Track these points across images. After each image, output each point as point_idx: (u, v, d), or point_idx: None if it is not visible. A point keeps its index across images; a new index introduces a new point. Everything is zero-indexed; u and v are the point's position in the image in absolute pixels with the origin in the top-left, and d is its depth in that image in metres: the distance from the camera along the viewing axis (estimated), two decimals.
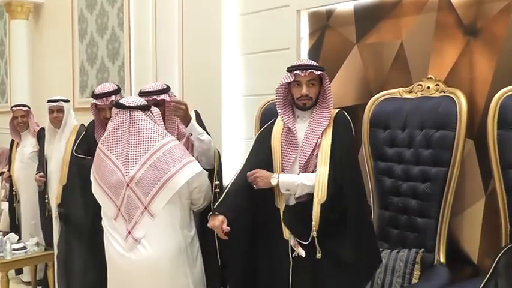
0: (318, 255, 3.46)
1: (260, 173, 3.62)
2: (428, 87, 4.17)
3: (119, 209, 3.76)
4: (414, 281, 3.88)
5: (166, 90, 4.36)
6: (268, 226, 3.75)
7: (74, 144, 5.21)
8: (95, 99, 4.63)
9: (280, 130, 3.78)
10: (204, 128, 4.40)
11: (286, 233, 3.64)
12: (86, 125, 5.33)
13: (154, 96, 4.24)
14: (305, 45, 5.17)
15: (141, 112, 3.84)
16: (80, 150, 5.01)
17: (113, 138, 3.80)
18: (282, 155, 3.71)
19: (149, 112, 3.90)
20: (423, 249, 3.96)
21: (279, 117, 3.80)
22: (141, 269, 3.73)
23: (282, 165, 3.70)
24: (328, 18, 4.95)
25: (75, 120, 5.82)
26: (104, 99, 4.61)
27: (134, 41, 7.11)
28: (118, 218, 3.78)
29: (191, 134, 4.04)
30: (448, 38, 4.16)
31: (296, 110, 3.76)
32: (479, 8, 3.99)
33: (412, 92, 4.26)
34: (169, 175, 3.72)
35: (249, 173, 3.66)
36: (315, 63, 3.68)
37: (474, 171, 4.03)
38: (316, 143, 3.59)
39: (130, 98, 3.95)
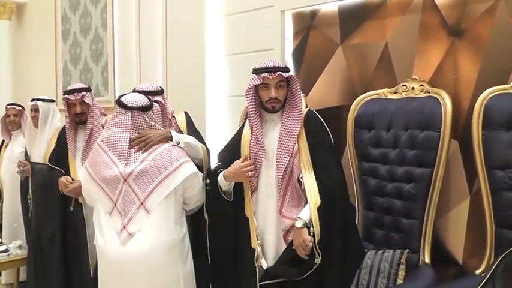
0: (317, 260, 3.49)
1: (300, 244, 3.57)
2: (413, 88, 4.17)
3: (115, 204, 3.80)
4: (399, 281, 3.86)
5: (161, 92, 4.48)
6: (238, 234, 3.81)
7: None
8: (66, 95, 4.79)
9: (249, 138, 3.80)
10: (194, 128, 4.44)
11: (255, 243, 3.68)
12: None
13: (150, 97, 4.25)
14: (289, 46, 5.17)
15: (142, 113, 3.93)
16: (51, 159, 5.06)
17: (113, 136, 3.86)
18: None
19: (150, 112, 4.00)
20: (408, 250, 3.95)
21: (247, 121, 3.81)
22: (134, 260, 3.76)
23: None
24: (313, 18, 4.95)
25: (59, 122, 5.78)
26: (75, 94, 4.75)
27: (118, 42, 7.09)
28: (113, 213, 3.82)
29: (178, 143, 4.02)
30: (433, 38, 4.17)
31: (265, 114, 3.76)
32: (463, 9, 4.01)
33: (396, 92, 4.27)
34: (168, 173, 3.78)
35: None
36: (282, 65, 3.68)
37: (459, 171, 4.04)
38: (293, 150, 3.60)
39: (133, 98, 3.98)
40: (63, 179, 4.64)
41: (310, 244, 3.51)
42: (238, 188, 3.84)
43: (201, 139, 4.47)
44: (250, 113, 3.73)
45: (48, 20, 8.40)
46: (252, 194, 3.79)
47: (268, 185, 3.74)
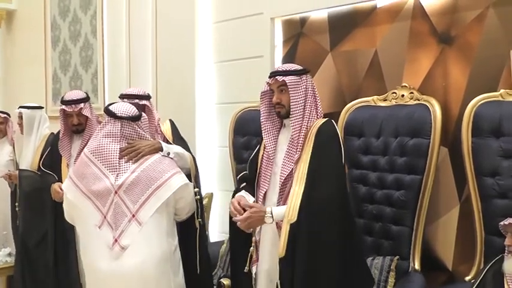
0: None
1: (251, 218, 3.44)
2: (403, 95, 4.19)
3: (105, 217, 3.70)
4: None
5: (148, 97, 4.43)
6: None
7: (41, 154, 5.18)
8: (63, 105, 4.69)
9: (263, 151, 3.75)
10: (179, 136, 4.41)
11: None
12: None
13: (136, 100, 4.27)
14: (279, 53, 5.19)
15: (131, 123, 3.85)
16: (45, 163, 5.02)
17: (102, 146, 3.77)
18: (258, 179, 3.70)
19: (139, 122, 3.91)
20: (398, 257, 3.98)
21: None
22: (127, 274, 3.68)
23: (258, 189, 3.67)
24: (302, 26, 4.97)
25: (47, 129, 5.75)
26: (73, 105, 4.67)
27: (108, 49, 7.08)
28: (103, 226, 3.70)
29: (169, 153, 4.00)
30: (422, 46, 4.19)
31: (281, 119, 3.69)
32: (453, 17, 4.03)
33: (386, 100, 4.28)
34: (159, 184, 3.70)
35: (240, 218, 3.45)
36: (286, 68, 3.61)
37: (448, 178, 4.06)
38: (295, 160, 3.49)
39: (122, 107, 3.91)
40: (56, 186, 4.59)
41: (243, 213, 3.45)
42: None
43: (186, 147, 4.44)
44: (261, 119, 3.69)
45: (38, 27, 8.39)
46: (259, 200, 3.68)
47: (274, 194, 3.62)
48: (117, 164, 3.72)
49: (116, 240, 3.65)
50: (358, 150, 4.30)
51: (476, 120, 3.72)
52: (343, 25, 4.65)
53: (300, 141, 3.49)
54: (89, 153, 3.79)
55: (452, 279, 4.04)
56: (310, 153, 3.41)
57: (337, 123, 4.26)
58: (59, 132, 4.90)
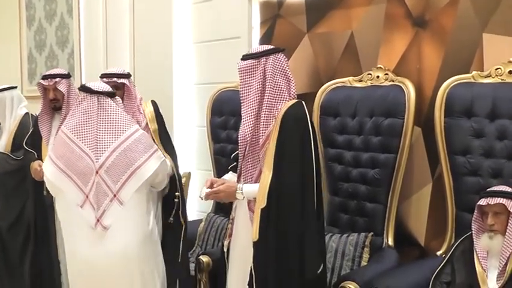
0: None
1: (222, 193, 3.52)
2: (378, 77, 4.28)
3: (87, 196, 3.66)
4: (363, 263, 4.01)
5: (128, 75, 4.42)
6: None
7: (15, 135, 5.20)
8: (41, 80, 4.70)
9: None
10: (162, 122, 4.43)
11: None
12: (31, 114, 5.35)
13: (115, 79, 4.28)
14: (256, 35, 5.23)
15: (109, 98, 3.78)
16: (28, 143, 4.95)
17: (80, 123, 3.71)
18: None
19: (115, 99, 3.85)
20: (372, 233, 4.09)
21: None
22: (111, 258, 3.69)
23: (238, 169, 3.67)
24: (280, 7, 5.02)
25: (24, 108, 5.66)
26: (49, 79, 4.65)
27: (84, 29, 7.05)
28: (85, 206, 3.67)
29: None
30: (397, 28, 4.27)
31: None
32: (427, 0, 4.12)
33: (361, 81, 4.37)
34: (139, 163, 3.69)
35: (210, 191, 3.52)
36: (249, 51, 3.55)
37: (422, 157, 4.16)
38: (260, 143, 3.45)
39: (97, 84, 3.88)
40: (35, 165, 4.53)
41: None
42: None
43: (167, 137, 4.47)
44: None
45: (12, 6, 8.30)
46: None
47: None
48: (97, 143, 3.67)
49: (97, 220, 3.64)
50: (334, 130, 4.38)
51: (449, 101, 3.83)
52: (319, 7, 4.72)
53: (263, 127, 3.43)
54: (68, 132, 3.73)
55: (424, 254, 4.15)
56: (276, 138, 3.35)
57: (313, 103, 4.37)
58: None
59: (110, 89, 3.88)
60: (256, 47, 3.67)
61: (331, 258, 4.05)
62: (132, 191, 3.69)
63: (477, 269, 3.33)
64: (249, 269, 3.40)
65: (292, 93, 3.48)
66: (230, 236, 3.73)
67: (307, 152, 3.37)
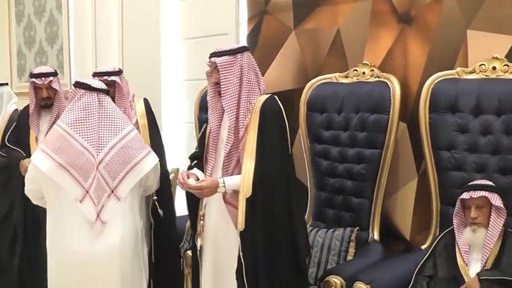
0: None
1: (206, 188, 3.53)
2: (364, 73, 4.31)
3: (87, 192, 3.66)
4: (349, 258, 4.04)
5: (118, 72, 4.44)
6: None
7: (4, 131, 5.15)
8: (33, 78, 4.75)
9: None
10: (153, 116, 4.47)
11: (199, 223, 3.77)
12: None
13: (105, 77, 4.29)
14: (244, 31, 5.26)
15: (107, 96, 3.83)
16: (10, 139, 4.98)
17: (80, 119, 3.71)
18: (205, 154, 3.76)
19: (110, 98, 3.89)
20: (358, 228, 4.12)
21: None
22: (108, 254, 3.70)
23: (206, 164, 3.74)
24: (267, 4, 5.03)
25: (15, 105, 5.65)
26: (43, 78, 4.74)
27: (73, 25, 7.07)
28: (85, 201, 3.66)
29: None
30: (383, 25, 4.31)
31: None
32: None
33: (348, 77, 4.40)
34: (137, 160, 3.73)
35: (194, 186, 3.55)
36: (221, 49, 3.61)
37: (407, 152, 4.20)
38: (238, 138, 3.56)
39: (94, 81, 3.92)
40: (26, 163, 4.49)
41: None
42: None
43: (157, 133, 4.51)
44: (207, 98, 3.76)
45: (1, 2, 8.28)
46: (206, 175, 3.73)
47: (219, 168, 3.67)
48: (97, 139, 3.69)
49: (97, 215, 3.65)
50: (320, 126, 4.41)
51: (434, 97, 3.88)
52: (306, 4, 4.74)
53: (241, 120, 3.55)
54: (66, 127, 3.71)
55: (410, 248, 4.19)
56: (256, 129, 3.49)
57: (300, 99, 4.42)
58: (25, 108, 4.95)
59: (105, 87, 3.91)
60: (223, 45, 3.69)
61: (318, 253, 4.08)
62: (130, 188, 3.72)
63: (459, 262, 3.39)
64: (222, 264, 3.61)
65: (262, 88, 3.67)
66: (202, 233, 3.77)
67: (286, 143, 3.60)
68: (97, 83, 3.87)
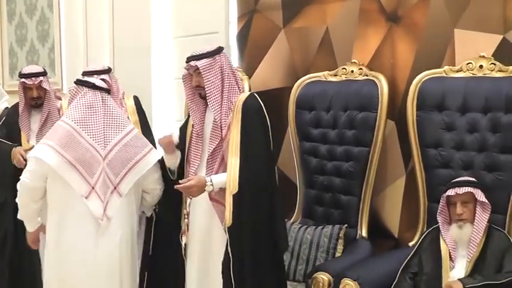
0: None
1: (195, 187, 3.56)
2: (352, 71, 4.35)
3: (93, 188, 3.70)
4: (338, 254, 4.08)
5: (108, 71, 4.51)
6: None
7: None
8: (23, 79, 4.74)
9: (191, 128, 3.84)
10: (143, 113, 4.51)
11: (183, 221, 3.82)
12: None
13: (95, 76, 4.31)
14: (234, 29, 5.27)
15: (108, 95, 3.90)
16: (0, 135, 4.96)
17: (86, 117, 3.76)
18: (188, 155, 3.81)
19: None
20: (346, 225, 4.16)
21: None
22: (109, 251, 3.75)
23: (189, 165, 3.78)
24: (256, 2, 5.04)
25: (6, 102, 5.67)
26: (33, 78, 4.72)
27: (65, 23, 7.06)
28: (91, 197, 3.71)
29: None
30: (371, 24, 4.35)
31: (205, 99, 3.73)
32: None
33: (336, 75, 4.43)
34: (139, 158, 3.77)
35: (181, 186, 3.59)
36: (199, 52, 3.66)
37: (395, 150, 4.24)
38: (221, 138, 3.62)
39: (95, 79, 3.99)
40: (18, 154, 4.57)
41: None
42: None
43: (148, 130, 4.59)
44: (186, 101, 3.83)
45: None
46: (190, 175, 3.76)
47: (203, 168, 3.72)
48: (102, 136, 3.74)
49: (104, 211, 3.70)
50: (309, 124, 4.45)
51: (421, 95, 3.92)
52: (295, 2, 4.76)
53: (224, 118, 3.61)
54: (73, 123, 3.75)
55: (398, 245, 4.23)
56: (240, 127, 3.54)
57: (289, 97, 4.45)
58: (14, 105, 4.94)
59: (107, 86, 4.00)
60: (199, 48, 3.72)
61: (306, 250, 4.13)
62: (131, 185, 3.77)
63: (443, 256, 3.45)
64: (209, 262, 3.67)
65: (240, 87, 3.75)
66: (186, 231, 3.82)
67: (269, 139, 3.67)
68: (99, 82, 3.93)
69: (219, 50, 3.68)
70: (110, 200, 3.72)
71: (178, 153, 3.84)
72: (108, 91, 3.93)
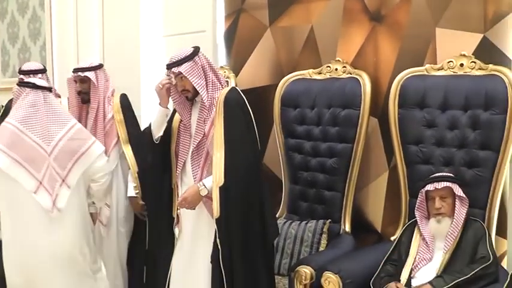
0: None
1: (188, 197, 3.70)
2: (336, 69, 4.41)
3: (41, 183, 3.86)
4: (321, 249, 4.15)
5: (97, 67, 4.56)
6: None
7: None
8: (22, 75, 4.83)
9: (178, 122, 3.95)
10: (129, 110, 4.61)
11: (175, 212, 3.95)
12: (1, 105, 5.41)
13: (79, 73, 4.45)
14: (221, 28, 5.32)
15: (50, 93, 4.05)
16: None
17: (29, 115, 3.90)
18: (176, 149, 3.94)
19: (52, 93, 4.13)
20: (330, 220, 4.22)
21: None
22: (67, 242, 3.95)
23: (177, 158, 3.92)
24: (243, 1, 5.10)
25: None
26: (32, 75, 4.77)
27: (56, 22, 7.13)
28: (39, 192, 3.86)
29: None
30: (355, 23, 4.41)
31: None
32: None
33: (321, 73, 4.49)
34: (83, 151, 3.95)
35: (178, 204, 3.81)
36: (178, 57, 3.73)
37: (378, 147, 4.30)
38: (204, 133, 3.72)
39: (37, 80, 4.19)
40: None
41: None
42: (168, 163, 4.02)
43: (136, 129, 4.65)
44: (174, 105, 3.91)
45: None
46: (178, 169, 3.93)
47: (188, 164, 3.88)
48: (47, 132, 3.89)
49: (53, 204, 3.86)
50: (294, 121, 4.50)
51: (403, 93, 3.98)
52: (281, 1, 4.82)
53: (207, 114, 3.73)
54: (16, 123, 3.90)
55: (381, 239, 4.28)
56: (222, 120, 3.65)
57: (274, 95, 4.51)
58: (9, 102, 4.96)
59: (48, 85, 4.14)
60: (176, 53, 3.80)
61: (291, 245, 4.20)
62: (78, 176, 3.94)
63: (410, 252, 3.57)
64: (196, 254, 3.81)
65: (222, 82, 3.87)
66: (178, 222, 3.98)
67: (253, 132, 3.79)
68: (41, 82, 4.10)
69: (196, 52, 3.77)
70: (59, 193, 3.88)
71: (169, 111, 3.96)
72: (49, 89, 4.06)
